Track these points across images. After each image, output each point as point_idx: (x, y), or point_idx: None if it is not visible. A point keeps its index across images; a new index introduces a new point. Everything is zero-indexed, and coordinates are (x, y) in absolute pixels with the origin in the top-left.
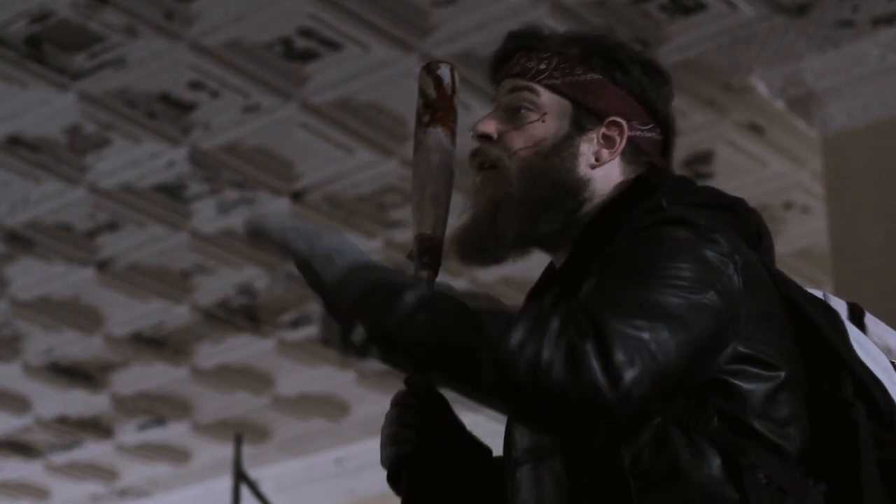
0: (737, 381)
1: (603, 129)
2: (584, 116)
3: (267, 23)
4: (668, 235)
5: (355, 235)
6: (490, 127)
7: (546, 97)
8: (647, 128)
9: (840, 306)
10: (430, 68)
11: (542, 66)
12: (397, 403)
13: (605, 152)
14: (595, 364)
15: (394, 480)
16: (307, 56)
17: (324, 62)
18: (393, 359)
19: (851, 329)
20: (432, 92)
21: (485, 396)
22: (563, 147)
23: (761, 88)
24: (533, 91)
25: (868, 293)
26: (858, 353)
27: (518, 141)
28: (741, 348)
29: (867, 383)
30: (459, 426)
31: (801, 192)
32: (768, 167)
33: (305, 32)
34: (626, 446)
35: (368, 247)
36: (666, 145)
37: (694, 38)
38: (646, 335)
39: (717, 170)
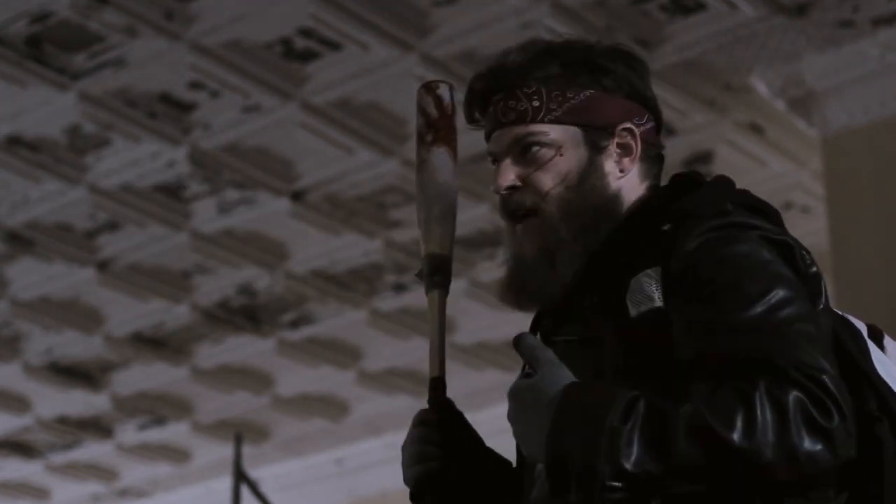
0: None
1: (616, 140)
2: (595, 135)
3: (267, 23)
4: (751, 253)
5: (355, 235)
6: (511, 176)
7: (554, 132)
8: (644, 119)
9: (860, 327)
10: (429, 88)
11: (536, 104)
12: (420, 423)
13: (626, 161)
14: (842, 435)
15: (417, 499)
16: (307, 56)
17: (324, 62)
18: (645, 493)
19: (872, 347)
20: (433, 111)
21: (745, 496)
22: (590, 172)
23: (761, 88)
24: (539, 132)
25: (868, 293)
26: (879, 371)
27: (546, 181)
28: None
29: (889, 400)
30: (479, 442)
31: (801, 192)
32: (768, 167)
33: (305, 32)
34: None
35: (368, 247)
36: (658, 127)
37: (694, 38)
38: (831, 377)
39: (717, 170)
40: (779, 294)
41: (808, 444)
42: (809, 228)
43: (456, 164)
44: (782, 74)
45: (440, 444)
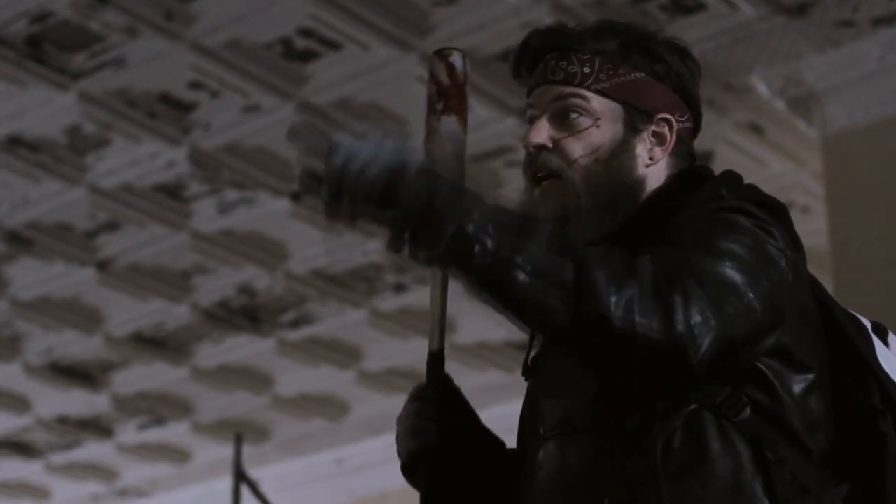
0: (776, 373)
1: (653, 127)
2: (636, 117)
3: (267, 23)
4: (731, 220)
5: (355, 235)
6: (543, 136)
7: (597, 102)
8: (684, 118)
9: (865, 323)
10: (441, 54)
11: (587, 70)
12: (417, 397)
13: (658, 150)
14: (681, 316)
15: (410, 472)
16: (307, 56)
17: (324, 62)
18: (484, 280)
19: (877, 343)
20: (445, 79)
21: (570, 328)
22: (621, 151)
23: (761, 88)
24: (582, 97)
25: (868, 293)
26: (884, 366)
27: (576, 149)
28: (784, 341)
29: (893, 394)
30: (476, 419)
31: (801, 192)
32: (768, 167)
33: (305, 32)
34: (659, 430)
35: (368, 247)
36: (696, 131)
37: (694, 38)
38: (718, 304)
39: (717, 170)
40: (735, 261)
41: (644, 297)
42: (809, 228)
43: (465, 134)
44: (782, 74)
45: (436, 420)
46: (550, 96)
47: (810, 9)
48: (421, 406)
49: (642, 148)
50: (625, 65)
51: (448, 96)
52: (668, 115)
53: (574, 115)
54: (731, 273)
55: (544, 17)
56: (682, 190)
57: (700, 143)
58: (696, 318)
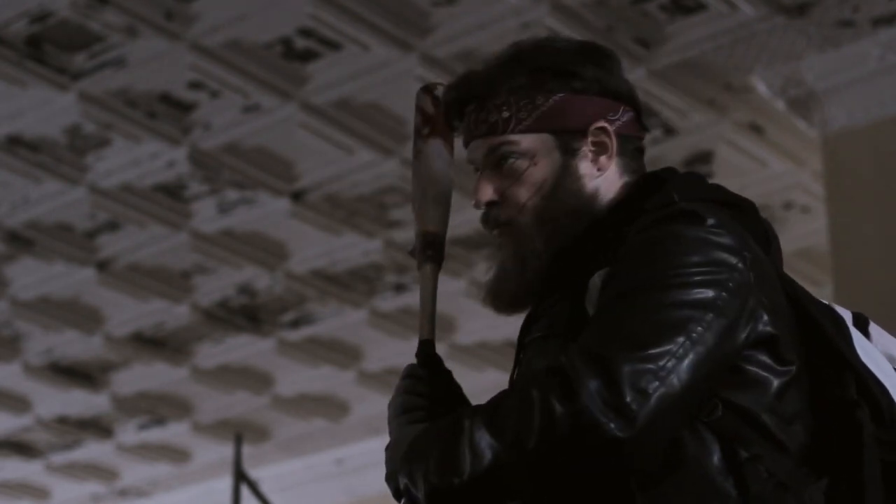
0: (751, 370)
1: (591, 139)
2: (569, 139)
3: (267, 23)
4: (678, 234)
5: (355, 235)
6: (489, 191)
7: (526, 141)
8: (619, 114)
9: (845, 315)
10: (427, 88)
11: (506, 115)
12: (409, 375)
13: (602, 159)
14: (604, 418)
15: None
16: (307, 56)
17: (324, 62)
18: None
19: (856, 334)
20: (430, 108)
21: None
22: (564, 178)
23: (761, 88)
24: (510, 143)
25: (868, 293)
26: (861, 357)
27: (522, 193)
28: (760, 332)
29: (870, 385)
30: (465, 401)
31: (801, 192)
32: (768, 167)
33: (305, 32)
34: None
35: (368, 247)
36: (639, 115)
37: (694, 38)
38: (657, 363)
39: (717, 170)
40: (673, 297)
41: (560, 425)
42: (809, 228)
43: (452, 155)
44: (782, 74)
45: (427, 396)
46: (483, 150)
47: (810, 9)
48: (411, 384)
49: (586, 164)
50: (540, 94)
51: (434, 122)
52: (601, 123)
53: (511, 161)
54: (678, 311)
55: (544, 18)
56: (641, 197)
57: (700, 143)
58: (628, 399)
